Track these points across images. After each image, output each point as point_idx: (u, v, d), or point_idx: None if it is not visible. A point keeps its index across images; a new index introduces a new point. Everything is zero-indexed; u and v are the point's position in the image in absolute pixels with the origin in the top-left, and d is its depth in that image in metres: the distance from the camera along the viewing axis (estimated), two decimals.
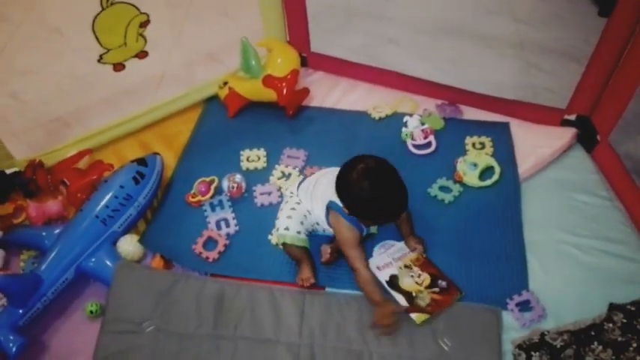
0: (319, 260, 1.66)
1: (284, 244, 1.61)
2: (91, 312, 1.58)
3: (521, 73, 2.27)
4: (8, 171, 1.86)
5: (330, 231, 1.62)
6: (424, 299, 1.54)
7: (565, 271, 1.64)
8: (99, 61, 1.89)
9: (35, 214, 1.76)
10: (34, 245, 1.70)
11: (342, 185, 1.49)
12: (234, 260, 1.69)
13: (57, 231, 1.68)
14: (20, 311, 1.51)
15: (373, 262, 1.63)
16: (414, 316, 1.51)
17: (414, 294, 1.55)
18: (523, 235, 1.72)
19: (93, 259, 1.63)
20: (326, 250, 1.65)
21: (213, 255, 1.69)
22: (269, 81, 1.99)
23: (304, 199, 1.63)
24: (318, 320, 1.55)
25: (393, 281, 1.59)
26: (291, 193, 1.68)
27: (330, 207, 1.56)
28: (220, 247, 1.70)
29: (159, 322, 1.53)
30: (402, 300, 1.55)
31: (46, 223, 1.79)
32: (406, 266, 1.60)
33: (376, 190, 1.42)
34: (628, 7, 1.63)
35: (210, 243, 1.72)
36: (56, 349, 1.54)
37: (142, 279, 1.60)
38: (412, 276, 1.59)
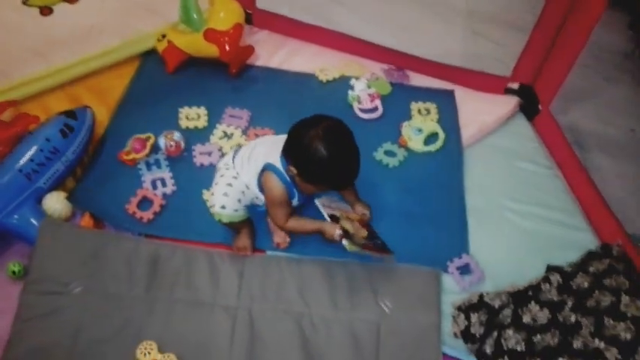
0: (262, 226, 1.60)
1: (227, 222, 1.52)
2: (14, 272, 1.46)
3: (468, 41, 2.27)
4: None
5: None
6: (360, 233, 1.49)
7: (505, 236, 1.67)
8: (24, 3, 1.72)
9: None
10: None
11: (294, 146, 1.38)
12: (170, 221, 1.61)
13: None
14: None
15: (319, 200, 1.54)
16: (345, 242, 1.42)
17: (350, 232, 1.46)
18: (465, 200, 1.74)
19: (15, 216, 1.50)
20: (278, 233, 1.58)
21: (147, 215, 1.60)
22: (211, 35, 1.89)
23: (241, 170, 1.50)
24: (258, 282, 1.50)
25: (333, 220, 1.50)
26: (226, 165, 1.53)
27: (265, 168, 1.45)
28: (156, 208, 1.61)
29: (87, 283, 1.44)
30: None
31: None
32: (348, 218, 1.52)
33: (334, 152, 1.33)
34: None
35: (145, 203, 1.63)
36: None
37: (69, 238, 1.50)
38: (352, 225, 1.50)
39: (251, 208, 1.56)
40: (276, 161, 1.43)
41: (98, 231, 1.55)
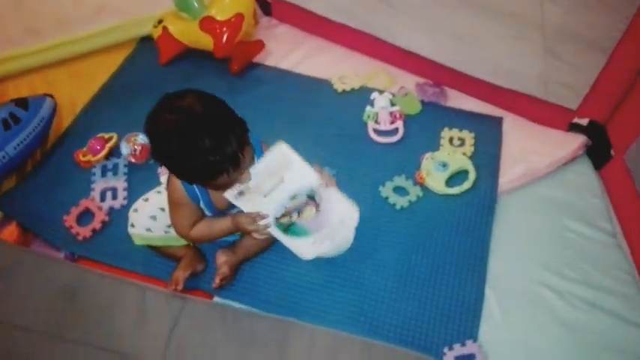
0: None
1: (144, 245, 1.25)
2: None
3: (534, 59, 1.82)
4: None
5: None
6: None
7: (533, 324, 1.26)
8: None
9: None
10: None
11: (147, 133, 1.04)
12: (108, 242, 1.35)
13: None
14: None
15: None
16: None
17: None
18: (487, 265, 1.33)
19: None
20: (221, 266, 1.25)
21: (85, 232, 1.34)
22: (207, 24, 1.60)
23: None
24: (192, 339, 1.20)
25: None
26: (165, 181, 1.24)
27: None
28: (96, 224, 1.35)
29: None
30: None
31: None
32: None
33: (174, 135, 0.99)
34: None
35: (86, 216, 1.37)
36: None
37: None
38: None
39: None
40: None
41: (15, 247, 1.31)
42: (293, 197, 1.12)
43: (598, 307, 1.27)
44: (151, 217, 1.21)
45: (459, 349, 1.20)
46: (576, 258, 1.35)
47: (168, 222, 1.21)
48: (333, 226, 1.15)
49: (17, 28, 1.73)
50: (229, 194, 1.08)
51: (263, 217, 1.10)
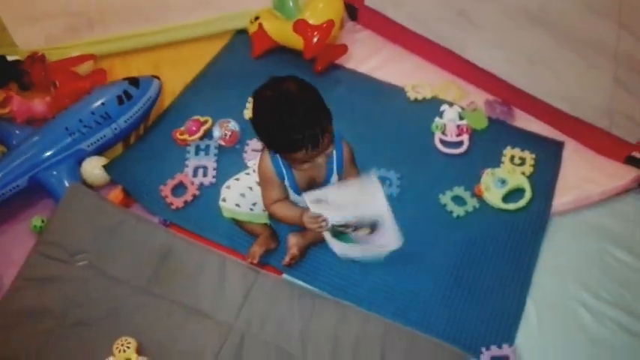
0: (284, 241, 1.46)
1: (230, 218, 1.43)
2: (35, 227, 1.48)
3: (603, 90, 1.87)
4: (10, 57, 1.76)
5: None
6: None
7: (565, 336, 1.36)
8: None
9: (17, 109, 1.66)
10: (4, 141, 1.60)
11: (253, 109, 1.26)
12: (197, 214, 1.53)
13: (28, 132, 1.57)
14: None
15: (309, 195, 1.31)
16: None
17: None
18: (531, 278, 1.44)
19: (54, 173, 1.51)
20: (294, 244, 1.42)
21: (178, 202, 1.53)
22: (300, 26, 1.75)
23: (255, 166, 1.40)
24: (262, 307, 1.36)
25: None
26: (254, 163, 1.43)
27: (263, 149, 1.34)
28: (188, 196, 1.54)
29: (93, 259, 1.40)
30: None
31: (29, 121, 1.68)
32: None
33: (269, 109, 1.20)
34: None
35: (179, 189, 1.56)
36: None
37: (90, 208, 1.47)
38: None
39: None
40: None
41: (121, 208, 1.50)
42: (358, 217, 1.28)
43: (626, 330, 1.36)
44: (241, 194, 1.39)
45: (495, 351, 1.31)
46: (615, 283, 1.43)
47: (254, 200, 1.40)
48: (373, 246, 1.32)
49: (127, 12, 1.93)
50: (308, 197, 1.27)
51: (324, 220, 1.27)
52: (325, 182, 1.37)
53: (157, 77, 1.70)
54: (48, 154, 1.50)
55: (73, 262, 1.39)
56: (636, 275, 1.46)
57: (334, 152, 1.32)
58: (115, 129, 1.57)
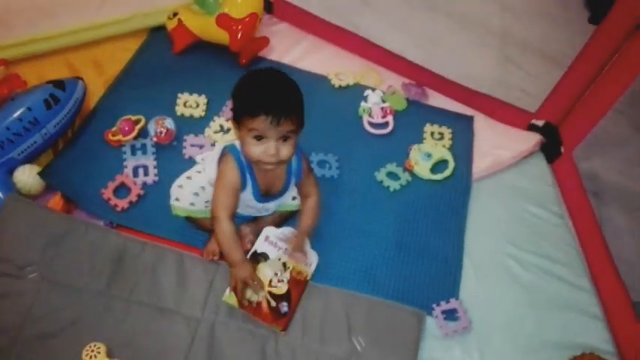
0: None
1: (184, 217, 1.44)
2: None
3: (498, 67, 2.10)
4: None
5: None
6: (253, 296, 1.35)
7: (501, 286, 1.54)
8: None
9: None
10: None
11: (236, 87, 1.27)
12: (145, 213, 1.50)
13: None
14: None
15: (269, 230, 1.45)
16: (227, 292, 1.36)
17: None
18: (464, 239, 1.60)
19: None
20: (246, 236, 1.46)
21: (123, 204, 1.49)
22: (223, 20, 1.77)
23: (209, 165, 1.38)
24: None
25: (257, 257, 1.41)
26: (202, 159, 1.44)
27: (225, 150, 1.34)
28: (133, 197, 1.51)
29: (44, 270, 1.34)
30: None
31: None
32: (284, 264, 1.41)
33: (250, 76, 1.25)
34: (618, 18, 1.52)
35: (122, 190, 1.53)
36: None
37: (33, 218, 1.40)
38: (276, 274, 1.39)
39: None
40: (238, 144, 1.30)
41: (65, 215, 1.45)
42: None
43: (549, 273, 1.56)
44: (194, 193, 1.39)
45: (444, 306, 1.45)
46: (533, 234, 1.64)
47: (208, 198, 1.40)
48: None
49: (32, 12, 1.82)
50: (269, 232, 1.43)
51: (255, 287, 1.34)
52: (284, 190, 1.40)
53: (81, 78, 1.63)
54: None
55: (22, 275, 1.32)
56: (551, 227, 1.67)
57: (294, 162, 1.36)
58: (45, 134, 1.50)
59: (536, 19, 1.82)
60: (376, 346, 1.36)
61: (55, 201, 1.46)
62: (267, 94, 1.21)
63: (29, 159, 1.50)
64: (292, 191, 1.45)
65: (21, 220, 1.38)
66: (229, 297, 1.35)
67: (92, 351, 1.24)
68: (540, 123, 1.85)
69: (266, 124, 1.19)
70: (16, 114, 1.46)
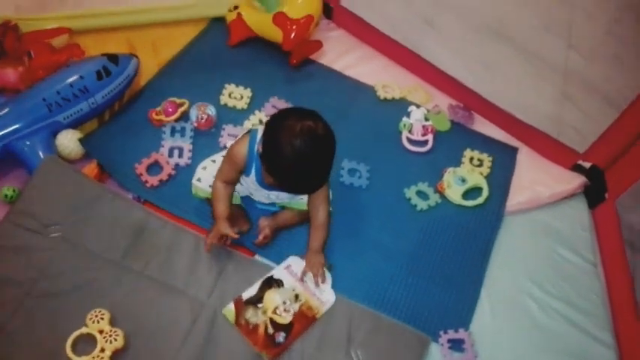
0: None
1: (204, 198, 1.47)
2: (6, 196, 1.45)
3: (553, 102, 2.03)
4: None
5: (246, 192, 1.45)
6: (253, 317, 1.34)
7: (516, 324, 1.48)
8: None
9: None
10: None
11: (269, 127, 1.25)
12: (172, 194, 1.54)
13: (1, 101, 1.54)
14: None
15: (293, 260, 1.45)
16: (230, 307, 1.35)
17: (259, 306, 1.37)
18: (485, 270, 1.56)
19: (27, 142, 1.49)
20: (264, 228, 1.47)
21: (153, 181, 1.54)
22: (280, 19, 1.80)
23: None
24: (234, 287, 1.40)
25: (270, 282, 1.41)
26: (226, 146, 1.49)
27: (248, 132, 1.36)
28: (164, 176, 1.55)
29: (67, 232, 1.39)
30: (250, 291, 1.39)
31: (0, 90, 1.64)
32: (297, 295, 1.39)
33: (293, 153, 1.19)
34: None
35: (154, 168, 1.58)
36: None
37: (66, 180, 1.46)
38: (284, 302, 1.37)
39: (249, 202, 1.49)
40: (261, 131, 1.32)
41: (97, 183, 1.50)
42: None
43: (570, 320, 1.49)
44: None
45: (452, 334, 1.41)
46: (560, 278, 1.57)
47: None
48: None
49: None
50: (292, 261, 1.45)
51: (224, 242, 1.40)
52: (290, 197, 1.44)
53: (136, 56, 1.70)
54: (23, 123, 1.47)
55: (46, 233, 1.38)
56: (577, 272, 1.60)
57: None
58: (92, 104, 1.57)
59: (601, 60, 1.76)
60: None
61: (90, 168, 1.52)
62: (306, 185, 1.28)
63: (74, 125, 1.57)
64: None
65: (55, 180, 1.45)
66: (229, 311, 1.35)
67: (96, 316, 1.28)
68: (587, 165, 1.77)
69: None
70: (68, 80, 1.53)
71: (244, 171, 1.37)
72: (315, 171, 1.24)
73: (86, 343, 1.25)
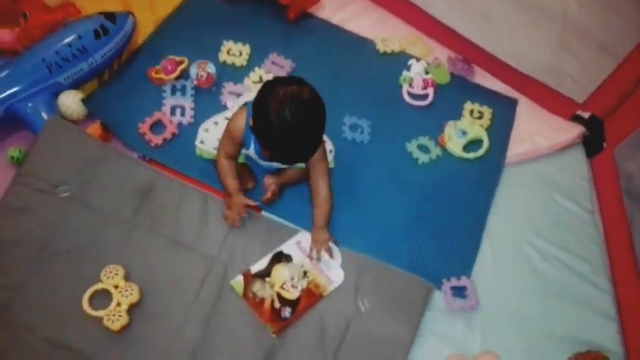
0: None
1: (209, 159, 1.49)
2: (12, 157, 1.46)
3: (552, 52, 2.02)
4: None
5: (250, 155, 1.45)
6: (261, 291, 1.37)
7: (516, 271, 1.53)
8: None
9: None
10: None
11: (258, 96, 1.25)
12: (177, 152, 1.55)
13: (0, 63, 1.52)
14: None
15: (304, 236, 1.46)
16: (238, 279, 1.38)
17: (267, 280, 1.38)
18: (486, 219, 1.59)
19: (29, 104, 1.49)
20: (270, 184, 1.49)
21: (157, 140, 1.55)
22: None
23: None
24: (243, 242, 1.43)
25: (280, 256, 1.42)
26: (232, 106, 1.49)
27: (246, 104, 1.35)
28: (167, 134, 1.56)
29: (76, 191, 1.41)
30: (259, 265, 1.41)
31: None
32: (305, 272, 1.40)
33: (283, 121, 1.19)
34: None
35: (157, 127, 1.58)
36: None
37: (72, 141, 1.47)
38: (292, 278, 1.38)
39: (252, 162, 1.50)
40: None
41: (102, 142, 1.51)
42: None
43: (569, 266, 1.54)
44: (219, 139, 1.43)
45: (454, 282, 1.46)
46: (559, 227, 1.61)
47: None
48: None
49: None
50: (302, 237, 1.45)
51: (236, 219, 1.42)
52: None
53: (132, 14, 1.68)
54: (24, 85, 1.47)
55: (55, 192, 1.40)
56: (578, 222, 1.64)
57: None
58: (92, 63, 1.56)
59: (599, 9, 1.75)
60: (379, 310, 1.39)
61: (94, 128, 1.52)
62: (296, 151, 1.27)
63: (74, 85, 1.56)
64: None
65: (60, 141, 1.45)
66: (237, 283, 1.37)
67: (110, 272, 1.31)
68: (586, 115, 1.79)
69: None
70: (66, 40, 1.51)
71: (244, 145, 1.38)
72: (303, 136, 1.24)
73: (102, 298, 1.29)
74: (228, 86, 1.68)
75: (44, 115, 1.48)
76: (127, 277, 1.33)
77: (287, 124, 1.19)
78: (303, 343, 1.33)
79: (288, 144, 1.24)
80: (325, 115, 1.25)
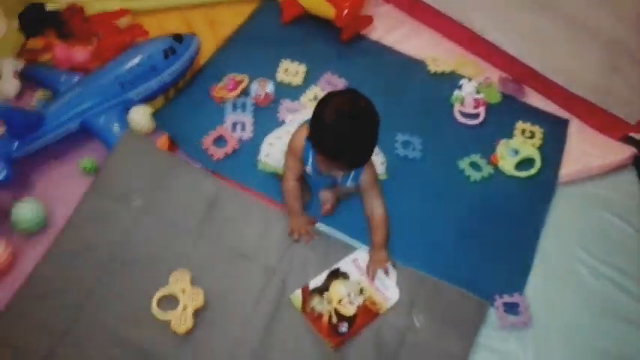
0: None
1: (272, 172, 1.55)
2: (85, 168, 1.55)
3: (603, 73, 2.03)
4: (48, 7, 1.81)
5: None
6: (319, 306, 1.40)
7: (568, 289, 1.54)
8: None
9: (61, 56, 1.71)
10: (50, 86, 1.67)
11: (315, 111, 1.29)
12: (238, 165, 1.63)
13: (76, 79, 1.63)
14: (16, 143, 1.49)
15: (361, 254, 1.49)
16: (297, 293, 1.42)
17: (324, 295, 1.42)
18: (539, 238, 1.61)
19: (102, 118, 1.58)
20: (327, 199, 1.54)
21: (219, 154, 1.62)
22: None
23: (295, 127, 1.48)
24: (302, 255, 1.48)
25: (337, 273, 1.46)
26: (291, 120, 1.57)
27: (306, 122, 1.39)
28: (228, 149, 1.63)
29: (147, 201, 1.49)
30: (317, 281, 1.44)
31: (69, 68, 1.73)
32: (361, 289, 1.43)
33: (335, 119, 1.23)
34: None
35: (220, 141, 1.66)
36: (41, 191, 1.54)
37: (144, 153, 1.56)
38: (349, 295, 1.42)
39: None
40: None
41: (172, 155, 1.59)
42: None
43: (618, 285, 1.54)
44: (283, 152, 1.49)
45: (507, 298, 1.47)
46: (610, 245, 1.61)
47: None
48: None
49: None
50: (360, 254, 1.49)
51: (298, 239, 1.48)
52: (342, 184, 1.47)
53: (196, 35, 1.77)
54: (99, 100, 1.57)
55: (128, 202, 1.48)
56: (629, 241, 1.64)
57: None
58: (160, 81, 1.65)
59: None
60: (434, 326, 1.41)
61: (163, 141, 1.61)
62: (349, 153, 1.26)
63: (143, 102, 1.66)
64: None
65: (134, 154, 1.55)
66: (296, 298, 1.41)
67: (179, 276, 1.38)
68: (638, 137, 1.79)
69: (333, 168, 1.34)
70: (138, 59, 1.61)
71: (303, 161, 1.43)
72: (357, 138, 1.24)
73: (169, 302, 1.36)
74: (286, 103, 1.76)
75: (116, 128, 1.57)
76: (193, 282, 1.39)
77: (342, 122, 1.22)
78: (360, 355, 1.37)
79: (342, 142, 1.24)
80: (379, 122, 1.27)
